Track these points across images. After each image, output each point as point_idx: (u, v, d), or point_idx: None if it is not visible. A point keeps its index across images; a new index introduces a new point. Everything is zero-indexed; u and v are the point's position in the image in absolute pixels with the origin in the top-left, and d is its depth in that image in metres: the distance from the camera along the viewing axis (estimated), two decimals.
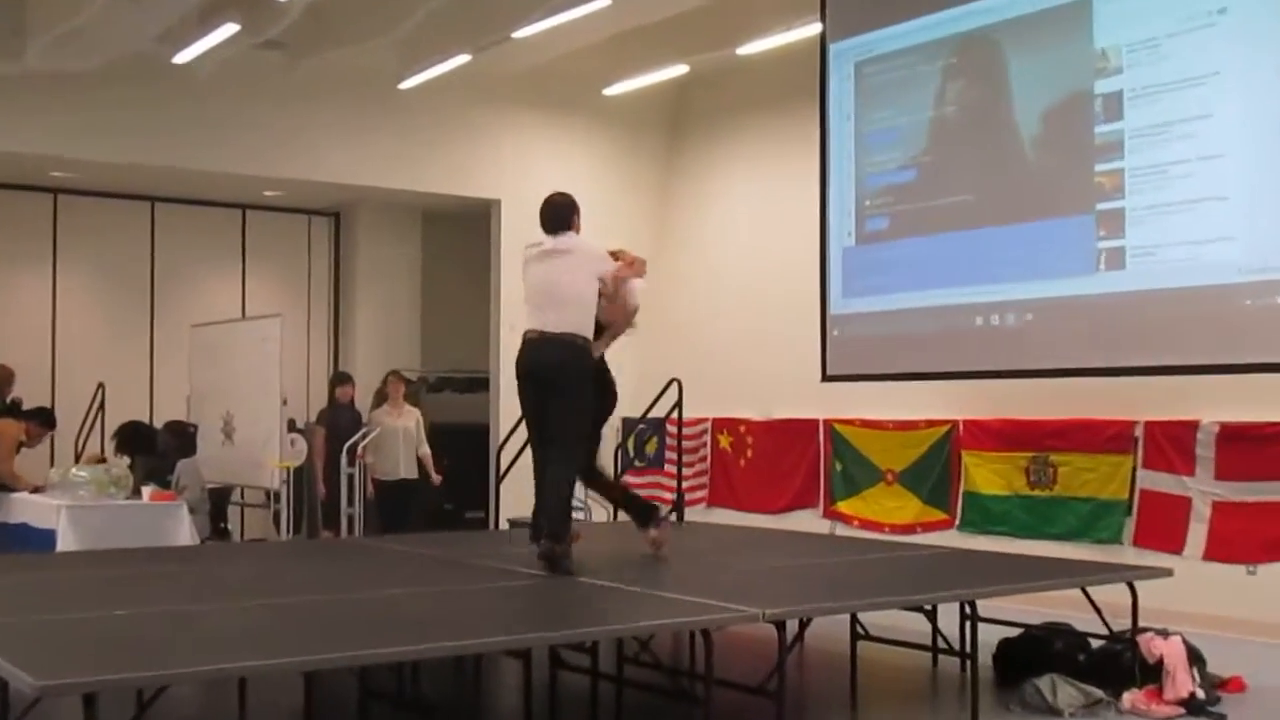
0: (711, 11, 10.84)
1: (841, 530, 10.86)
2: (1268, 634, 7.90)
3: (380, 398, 11.82)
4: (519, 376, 6.57)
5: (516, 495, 9.55)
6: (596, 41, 11.22)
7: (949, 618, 6.78)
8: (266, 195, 13.34)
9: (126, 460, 10.45)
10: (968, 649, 6.60)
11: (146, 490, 9.50)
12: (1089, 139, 8.74)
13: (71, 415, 11.69)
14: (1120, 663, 6.54)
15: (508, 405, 11.45)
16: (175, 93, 11.04)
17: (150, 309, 13.35)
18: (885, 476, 10.70)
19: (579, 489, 6.93)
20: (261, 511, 11.89)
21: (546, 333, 6.43)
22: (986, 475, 9.88)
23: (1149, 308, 8.46)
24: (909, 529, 10.34)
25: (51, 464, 10.88)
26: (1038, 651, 6.84)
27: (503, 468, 10.16)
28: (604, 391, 6.87)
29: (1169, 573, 6.86)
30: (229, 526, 11.55)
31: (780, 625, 5.23)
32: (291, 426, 11.41)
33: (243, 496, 12.16)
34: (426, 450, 11.29)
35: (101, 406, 11.82)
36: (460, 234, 13.68)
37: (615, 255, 6.83)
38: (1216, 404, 8.52)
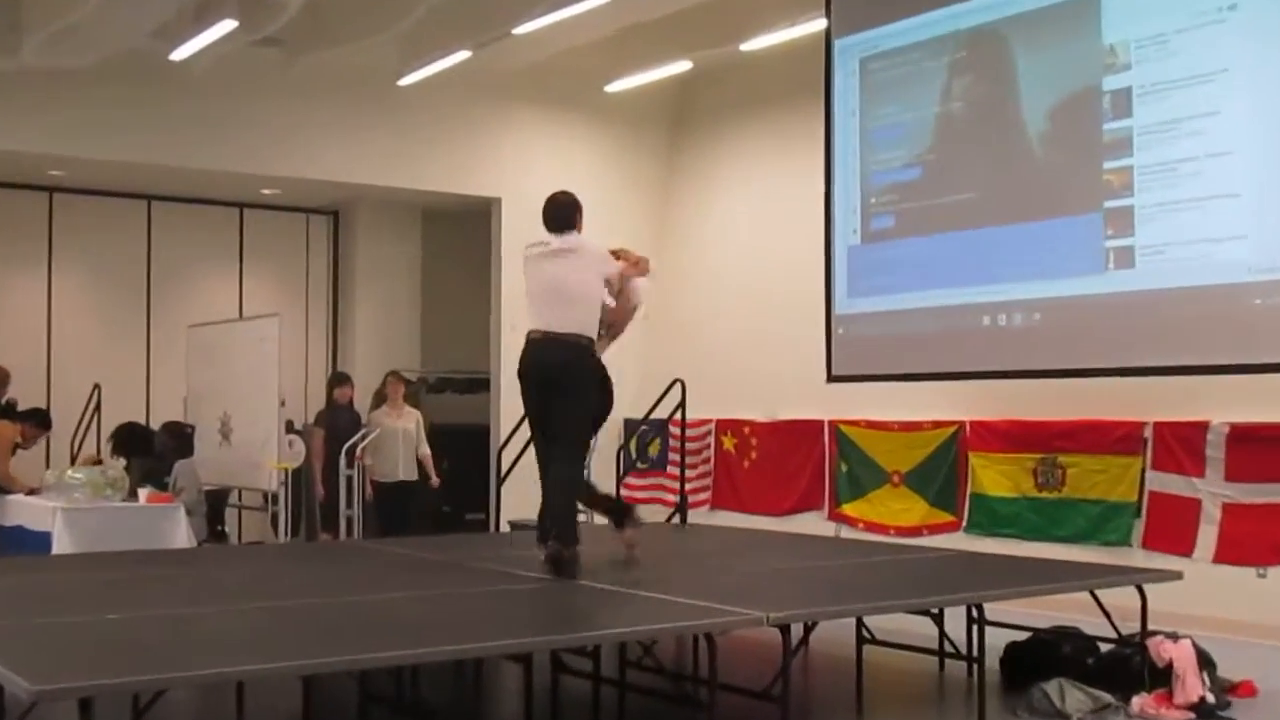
0: (714, 7, 10.84)
1: (847, 533, 10.86)
2: (1279, 637, 7.90)
3: (379, 398, 11.82)
4: (522, 377, 6.57)
5: (517, 497, 9.57)
6: (598, 38, 11.22)
7: (956, 621, 6.78)
8: (264, 194, 13.35)
9: (123, 462, 10.47)
10: (975, 653, 6.59)
11: (143, 492, 9.51)
12: (1097, 136, 8.73)
13: (67, 416, 11.70)
14: (1129, 667, 6.54)
15: (508, 406, 11.46)
16: (172, 90, 11.05)
17: (146, 309, 13.35)
18: (891, 478, 10.70)
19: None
20: (259, 514, 11.89)
21: (551, 333, 6.43)
22: (994, 477, 9.87)
23: (1158, 307, 8.45)
24: (915, 531, 10.33)
25: (47, 466, 10.88)
26: (1046, 655, 6.84)
27: (503, 469, 10.17)
28: (602, 392, 6.87)
29: (1179, 575, 6.85)
30: (226, 529, 11.55)
31: (785, 629, 5.23)
32: (290, 428, 11.41)
33: (240, 498, 12.16)
34: (426, 451, 11.30)
35: (97, 408, 11.83)
36: (460, 232, 13.68)
37: (617, 255, 6.84)
38: (1226, 404, 8.51)
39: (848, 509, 11.04)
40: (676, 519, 10.75)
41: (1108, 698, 6.24)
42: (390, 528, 10.92)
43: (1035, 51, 9.19)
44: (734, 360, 12.17)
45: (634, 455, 12.28)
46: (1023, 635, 7.08)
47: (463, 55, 10.96)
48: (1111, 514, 9.11)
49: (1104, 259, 8.70)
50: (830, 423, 11.21)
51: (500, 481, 10.45)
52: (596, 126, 13.03)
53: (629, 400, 12.10)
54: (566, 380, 6.44)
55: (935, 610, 6.64)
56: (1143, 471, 8.96)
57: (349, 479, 10.94)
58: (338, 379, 12.00)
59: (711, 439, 12.38)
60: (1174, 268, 8.34)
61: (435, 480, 11.29)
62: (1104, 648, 6.84)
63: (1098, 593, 6.50)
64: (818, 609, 5.97)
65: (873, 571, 7.22)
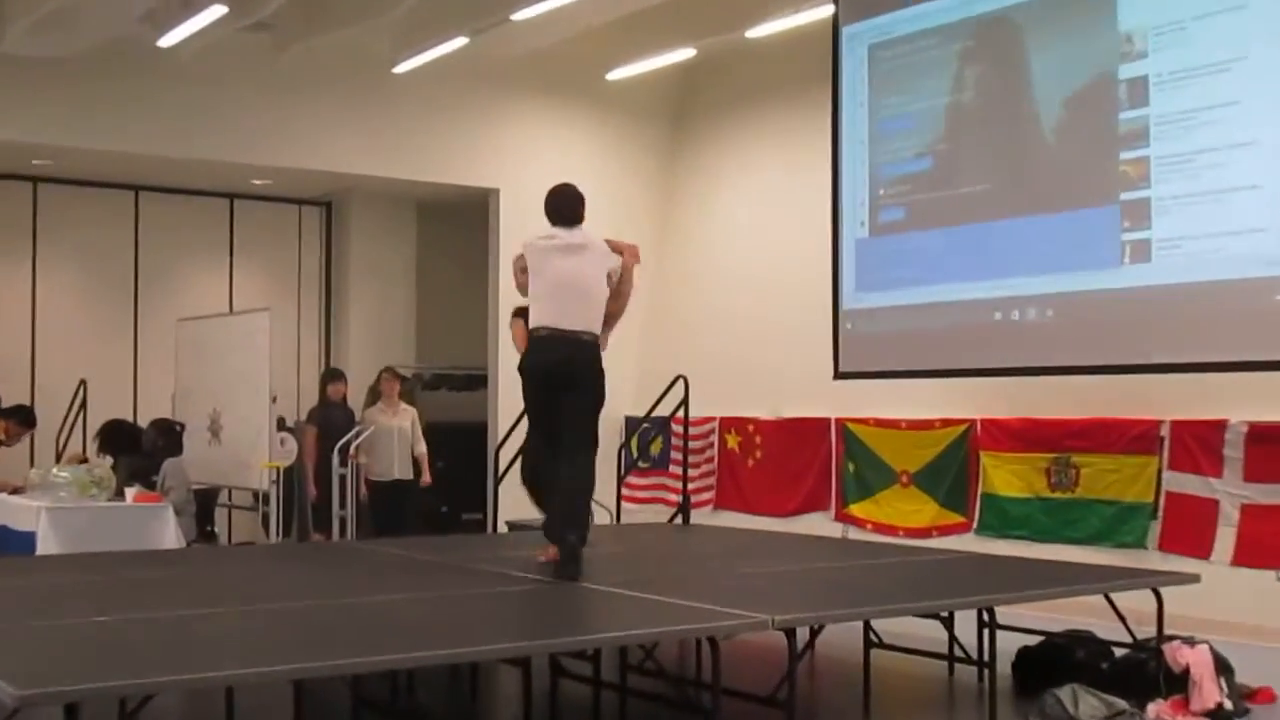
0: None
1: (854, 534, 10.87)
2: None
3: (374, 395, 11.82)
4: (529, 374, 6.53)
5: (515, 497, 9.56)
6: (599, 24, 11.22)
7: (966, 625, 6.79)
8: (255, 184, 13.35)
9: (109, 460, 10.47)
10: (986, 658, 6.60)
11: (130, 491, 9.51)
12: (1113, 126, 8.73)
13: (52, 413, 11.71)
14: (1145, 672, 6.54)
15: (506, 403, 11.49)
16: (160, 77, 11.05)
17: (134, 303, 13.36)
18: (900, 478, 10.70)
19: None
20: (250, 514, 11.91)
21: (564, 330, 6.42)
22: (1005, 477, 9.88)
23: (1175, 302, 8.45)
24: (924, 533, 10.34)
25: (31, 464, 10.89)
26: (1058, 660, 6.84)
27: (501, 468, 10.17)
28: None
29: (1196, 578, 6.86)
30: (216, 529, 11.56)
31: (790, 632, 5.23)
32: (281, 425, 11.41)
33: (230, 498, 12.17)
34: (423, 449, 11.30)
35: (83, 404, 11.84)
36: (457, 225, 13.69)
37: (609, 245, 6.84)
38: (1245, 403, 8.51)
39: (855, 510, 11.04)
40: (679, 519, 10.75)
41: (1122, 704, 6.23)
42: (385, 528, 10.93)
43: (1049, 38, 9.19)
44: (738, 356, 12.17)
45: (635, 454, 12.28)
46: (1035, 639, 7.09)
47: (460, 42, 10.96)
48: (1127, 515, 9.12)
49: (1120, 252, 8.71)
50: (837, 421, 11.21)
51: (498, 481, 10.46)
52: (597, 116, 13.03)
53: (630, 397, 12.14)
54: (581, 378, 6.45)
55: (945, 613, 6.64)
56: (1159, 471, 8.96)
57: (342, 478, 10.94)
58: (331, 375, 12.01)
59: (715, 437, 12.38)
60: (1192, 262, 8.34)
61: (427, 479, 11.28)
62: (1119, 653, 6.84)
63: (1112, 596, 6.50)
64: (824, 612, 5.97)
65: (881, 574, 7.22)
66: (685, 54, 12.02)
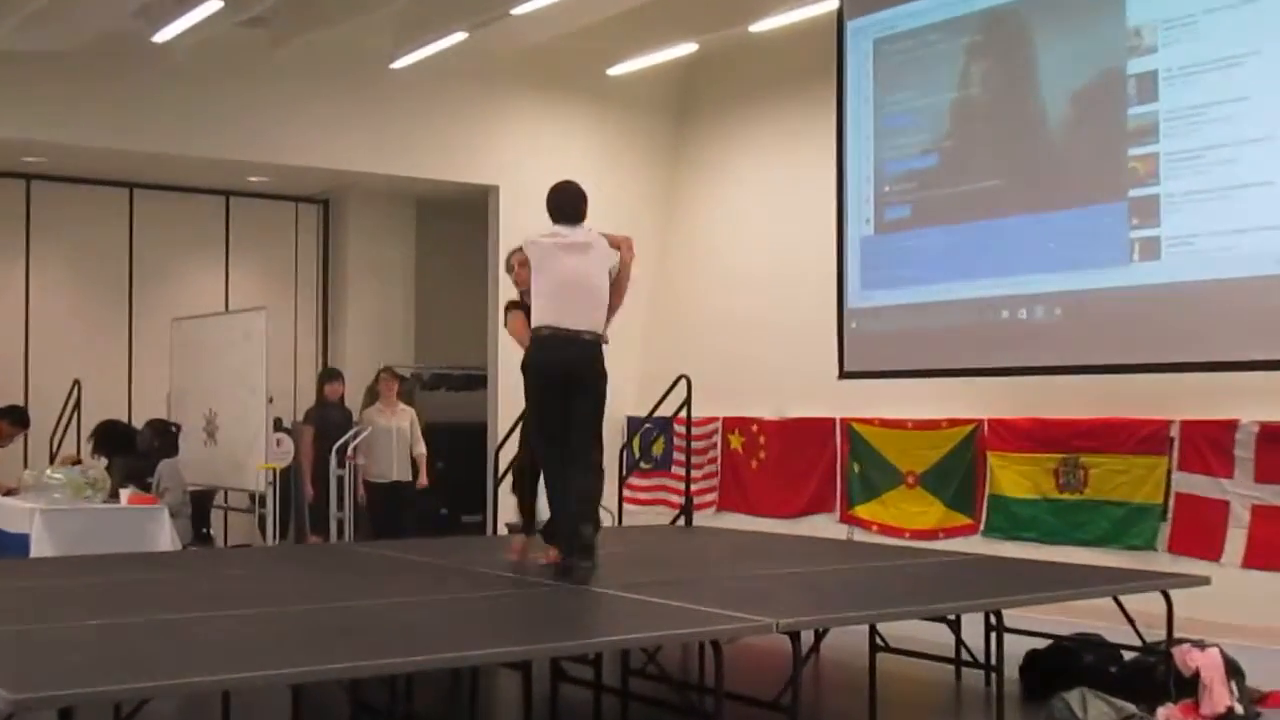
0: None
1: (859, 536, 10.87)
2: None
3: (372, 395, 11.83)
4: (540, 376, 6.51)
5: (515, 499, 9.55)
6: (600, 19, 11.22)
7: (973, 628, 6.79)
8: (251, 181, 13.35)
9: (104, 461, 10.47)
10: (993, 661, 6.61)
11: (125, 493, 9.51)
12: (1121, 122, 8.73)
13: (46, 414, 11.71)
14: (1154, 676, 6.54)
15: (506, 404, 11.49)
16: (154, 73, 11.05)
17: (129, 302, 13.37)
18: (906, 479, 10.70)
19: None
20: (246, 515, 11.91)
21: (572, 330, 6.42)
22: (1013, 478, 9.88)
23: (1185, 300, 8.45)
24: (931, 534, 10.34)
25: (25, 465, 10.90)
26: (1067, 664, 6.84)
27: (501, 469, 10.17)
28: None
29: (1206, 581, 6.86)
30: (212, 531, 11.56)
31: (795, 636, 5.23)
32: (278, 426, 11.42)
33: (226, 500, 12.18)
34: (422, 450, 11.30)
35: (77, 405, 11.83)
36: (456, 222, 13.69)
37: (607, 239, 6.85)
38: (1256, 402, 8.51)
39: (860, 511, 11.04)
40: (681, 521, 10.75)
41: (1131, 708, 6.24)
42: (383, 530, 10.93)
43: (1056, 33, 9.18)
44: (741, 356, 12.17)
45: (637, 455, 12.29)
46: (1043, 643, 7.09)
47: (459, 37, 10.96)
48: (1136, 517, 9.11)
49: (1128, 250, 8.70)
50: (842, 421, 11.21)
51: (497, 482, 10.46)
52: (598, 112, 13.03)
53: (632, 397, 12.14)
54: (589, 379, 6.47)
55: (952, 617, 6.65)
56: (1168, 472, 8.96)
57: (340, 479, 10.94)
58: (328, 375, 12.01)
59: (718, 438, 12.38)
60: (1202, 259, 8.34)
61: (424, 480, 11.28)
62: (1128, 656, 6.85)
63: (1121, 599, 6.51)
64: (829, 615, 5.98)
65: (886, 576, 7.23)
66: (687, 49, 12.02)
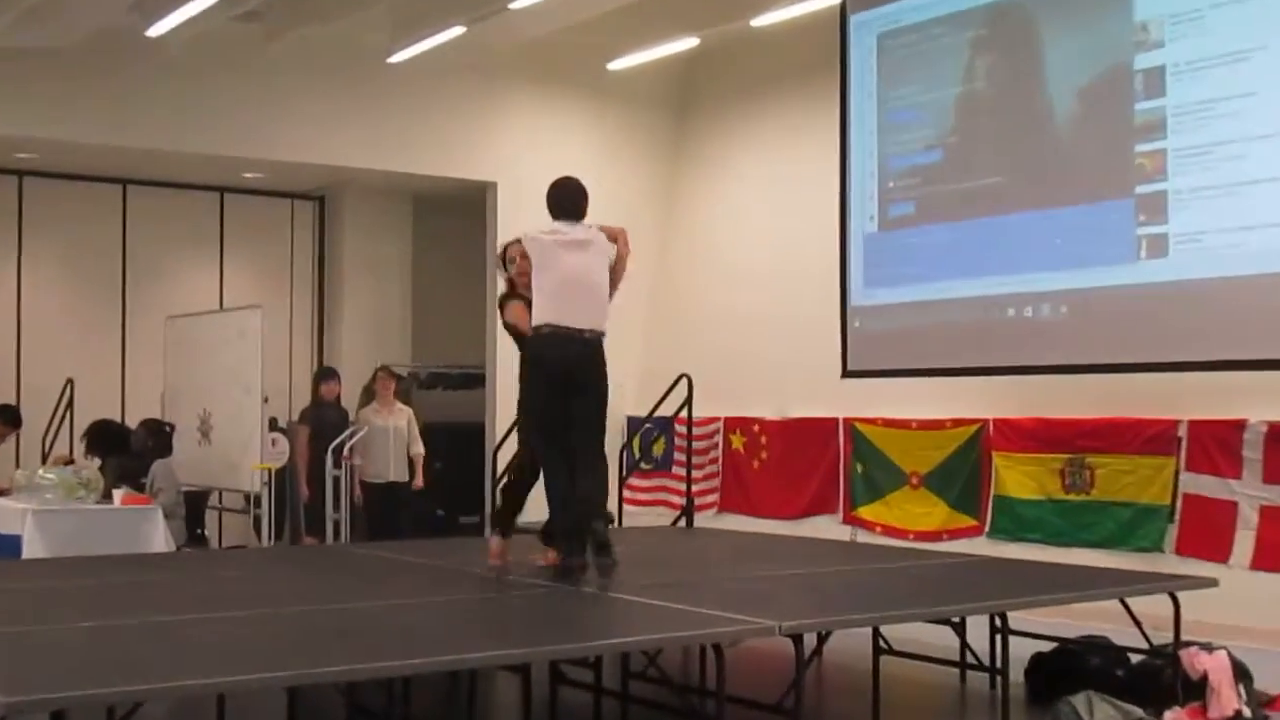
0: None
1: (863, 537, 10.87)
2: None
3: (368, 395, 11.83)
4: (544, 374, 6.51)
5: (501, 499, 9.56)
6: (600, 12, 11.20)
7: (978, 631, 6.79)
8: (246, 177, 13.36)
9: (97, 461, 10.48)
10: (998, 664, 6.61)
11: (118, 493, 9.52)
12: (1128, 117, 8.73)
13: (38, 413, 11.72)
14: (1161, 679, 6.55)
15: (505, 403, 11.48)
16: (149, 68, 11.05)
17: (122, 300, 13.37)
18: (910, 479, 10.70)
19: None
20: (241, 516, 11.92)
21: (574, 328, 6.44)
22: (1018, 478, 9.87)
23: (1193, 298, 8.45)
24: (935, 536, 10.34)
25: (17, 465, 10.91)
26: (1073, 667, 6.85)
27: (499, 470, 10.17)
28: None
29: (1214, 583, 6.86)
30: (206, 532, 11.58)
31: (797, 639, 5.24)
32: (273, 425, 11.42)
33: (221, 500, 12.18)
34: (420, 450, 11.29)
35: (70, 404, 11.84)
36: (454, 219, 13.69)
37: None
38: (1265, 402, 8.51)
39: (864, 512, 11.04)
40: (682, 522, 10.76)
41: (1139, 712, 6.24)
42: (379, 531, 10.93)
43: (1062, 27, 9.18)
44: (743, 355, 12.17)
45: (637, 455, 12.29)
46: (1049, 646, 7.09)
47: (457, 31, 10.96)
48: (1143, 518, 9.11)
49: (1136, 247, 8.70)
50: (845, 421, 11.21)
51: (495, 483, 10.46)
52: (598, 107, 13.03)
53: (633, 397, 12.14)
54: (592, 377, 6.49)
55: (956, 619, 6.64)
56: (1176, 473, 8.95)
57: (336, 480, 10.94)
58: (324, 374, 12.01)
59: (719, 438, 12.38)
60: (1210, 256, 8.33)
61: (419, 481, 11.27)
62: (1135, 659, 6.85)
63: (1128, 601, 6.51)
64: (832, 618, 5.98)
65: (890, 578, 7.23)
66: (688, 43, 12.02)
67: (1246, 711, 6.28)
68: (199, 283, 13.62)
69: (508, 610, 5.94)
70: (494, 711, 6.91)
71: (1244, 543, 8.54)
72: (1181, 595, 6.53)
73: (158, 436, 10.82)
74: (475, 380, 13.12)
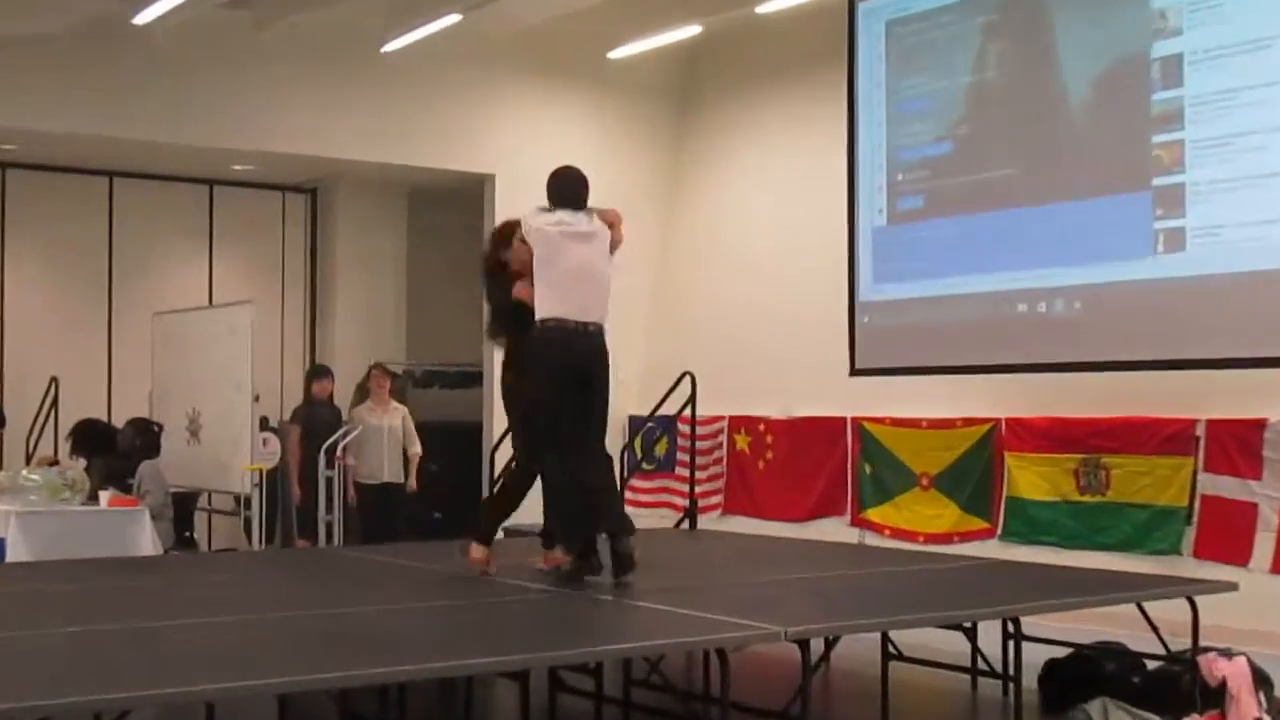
0: None
1: (871, 540, 10.87)
2: None
3: (362, 393, 11.82)
4: (559, 370, 6.50)
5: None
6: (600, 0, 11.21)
7: (990, 636, 6.79)
8: (236, 170, 13.36)
9: (82, 462, 10.48)
10: (1011, 671, 6.61)
11: (105, 495, 9.52)
12: (1145, 107, 8.72)
13: (22, 413, 11.72)
14: (1179, 686, 6.54)
15: (501, 402, 11.46)
16: (136, 57, 11.04)
17: (108, 296, 13.36)
18: (919, 480, 10.70)
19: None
20: (231, 519, 11.91)
21: (581, 322, 6.46)
22: (1031, 479, 9.87)
23: (1211, 294, 8.44)
24: (946, 538, 10.33)
25: (0, 466, 10.90)
26: (1088, 673, 6.84)
27: (497, 470, 10.17)
28: None
29: (1233, 587, 6.85)
30: (195, 535, 11.57)
31: (804, 644, 5.23)
32: (264, 425, 11.42)
33: (210, 502, 12.18)
34: (418, 450, 11.28)
35: (55, 403, 11.84)
36: (450, 212, 13.68)
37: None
38: None
39: (872, 514, 11.04)
40: (685, 524, 10.75)
41: (1155, 719, 6.25)
42: (374, 534, 10.93)
43: (1076, 14, 9.18)
44: (748, 352, 12.17)
45: (639, 455, 12.28)
46: (1063, 652, 7.08)
47: (452, 19, 10.94)
48: (1160, 520, 9.11)
49: (1152, 241, 8.70)
50: (853, 420, 11.20)
51: (493, 484, 10.45)
52: (598, 97, 13.02)
53: (634, 395, 12.13)
54: (598, 371, 6.53)
55: (967, 624, 6.65)
56: (1194, 474, 8.94)
57: (329, 481, 10.95)
58: (316, 372, 12.01)
59: (724, 437, 12.37)
60: (1229, 251, 8.33)
61: (412, 484, 11.26)
62: (1151, 665, 6.85)
63: (1145, 605, 6.50)
64: (840, 623, 5.98)
65: (899, 582, 7.23)
66: (691, 31, 12.01)
67: (1266, 719, 6.28)
68: (188, 278, 13.62)
69: (505, 615, 5.94)
70: (491, 719, 6.91)
71: (1264, 545, 8.53)
72: (1200, 600, 6.52)
73: (145, 436, 10.82)
74: (472, 378, 13.11)
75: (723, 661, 5.08)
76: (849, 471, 11.25)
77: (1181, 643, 6.56)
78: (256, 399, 10.73)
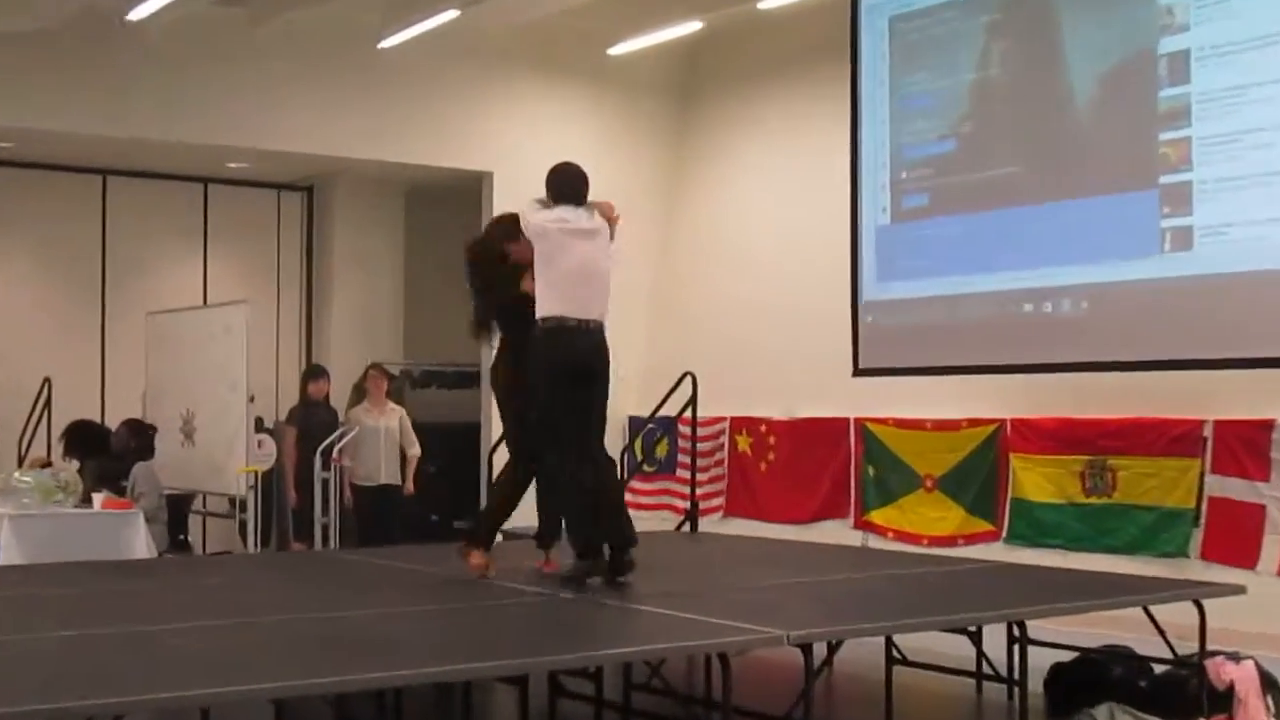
0: None
1: (874, 542, 10.87)
2: None
3: (359, 394, 11.82)
4: (563, 368, 6.51)
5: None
6: None
7: (995, 640, 6.79)
8: (231, 168, 13.35)
9: (75, 463, 10.48)
10: (1016, 675, 6.60)
11: (98, 497, 9.51)
12: (1152, 104, 8.72)
13: (14, 414, 11.72)
14: (1186, 690, 6.53)
15: (494, 395, 11.46)
16: (129, 54, 11.04)
17: (101, 295, 13.36)
18: (923, 482, 10.70)
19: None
20: (226, 521, 11.91)
21: (583, 320, 6.48)
22: (1037, 481, 9.87)
23: (1219, 293, 8.44)
24: (950, 541, 10.34)
25: None
26: (1094, 677, 6.83)
27: (495, 472, 10.16)
28: None
29: (1241, 590, 6.85)
30: (189, 538, 11.57)
31: (806, 649, 5.23)
32: (259, 426, 11.42)
33: (205, 504, 12.17)
34: (417, 451, 11.26)
35: (48, 404, 11.84)
36: (447, 210, 13.67)
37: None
38: None
39: (875, 516, 11.04)
40: (686, 527, 10.75)
41: None
42: (370, 536, 10.93)
43: (1082, 9, 9.18)
44: (750, 352, 12.16)
45: (640, 457, 12.28)
46: (1069, 655, 7.08)
47: (450, 14, 10.95)
48: (1167, 522, 9.11)
49: (1159, 240, 8.70)
50: (856, 421, 11.20)
51: (490, 486, 10.44)
52: (598, 94, 13.02)
53: (634, 396, 12.13)
54: (601, 369, 6.56)
55: (972, 628, 6.64)
56: (1201, 475, 8.95)
57: (325, 483, 10.93)
58: (312, 373, 12.01)
59: (725, 439, 12.38)
60: (1237, 250, 8.33)
61: (410, 487, 11.25)
62: (1158, 669, 6.83)
63: (1152, 609, 6.50)
64: (843, 627, 5.97)
65: (903, 585, 7.23)
66: (692, 27, 12.01)
67: None
68: (182, 277, 13.61)
69: (503, 618, 5.94)
70: None
71: (1272, 548, 8.54)
72: (1207, 603, 6.52)
73: (139, 438, 10.82)
74: (470, 379, 13.11)
75: (724, 666, 5.07)
76: (852, 473, 11.25)
77: (1189, 646, 6.56)
78: (252, 400, 10.73)
